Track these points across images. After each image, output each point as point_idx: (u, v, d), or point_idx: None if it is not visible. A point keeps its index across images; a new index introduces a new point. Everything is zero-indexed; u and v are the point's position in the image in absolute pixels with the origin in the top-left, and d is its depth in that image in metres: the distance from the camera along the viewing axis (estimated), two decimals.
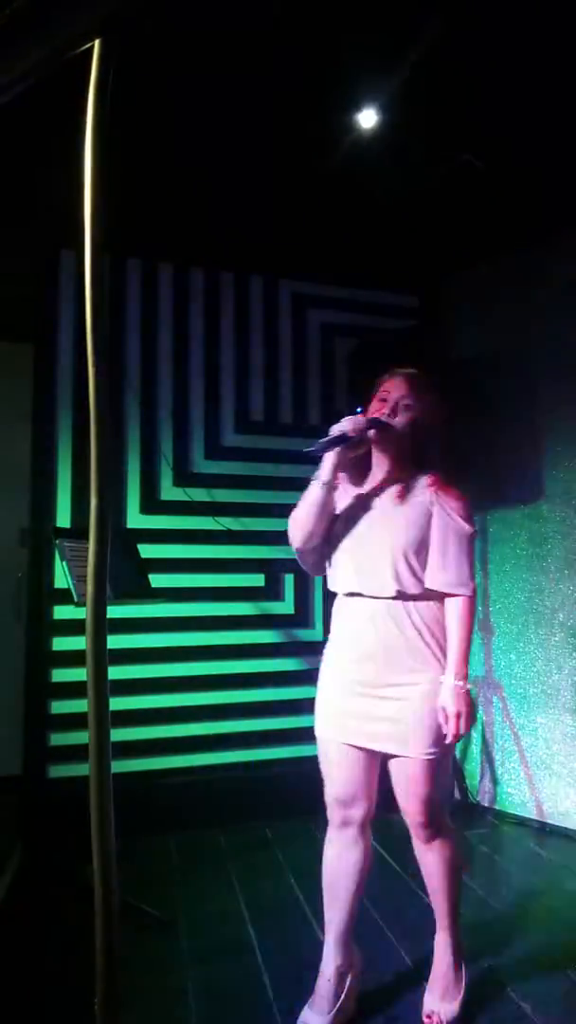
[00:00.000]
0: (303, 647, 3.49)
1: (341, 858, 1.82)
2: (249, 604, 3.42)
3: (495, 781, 3.42)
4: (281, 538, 3.44)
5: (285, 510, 3.43)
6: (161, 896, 2.52)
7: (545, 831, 3.17)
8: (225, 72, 2.31)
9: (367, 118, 2.51)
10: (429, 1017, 1.79)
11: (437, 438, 1.87)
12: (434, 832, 1.79)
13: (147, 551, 3.07)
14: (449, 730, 1.68)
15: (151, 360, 3.41)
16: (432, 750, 1.71)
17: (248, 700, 3.36)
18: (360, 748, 1.78)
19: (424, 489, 1.80)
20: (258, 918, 2.39)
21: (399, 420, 1.81)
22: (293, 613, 3.50)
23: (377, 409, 1.84)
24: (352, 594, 1.80)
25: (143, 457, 3.34)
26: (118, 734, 3.01)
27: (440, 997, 1.81)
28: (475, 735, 3.52)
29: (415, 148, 2.71)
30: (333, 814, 1.84)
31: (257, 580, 3.45)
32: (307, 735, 3.37)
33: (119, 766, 2.98)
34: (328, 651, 1.89)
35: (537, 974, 2.05)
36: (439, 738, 1.70)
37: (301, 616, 3.52)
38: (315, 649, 3.48)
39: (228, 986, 2.02)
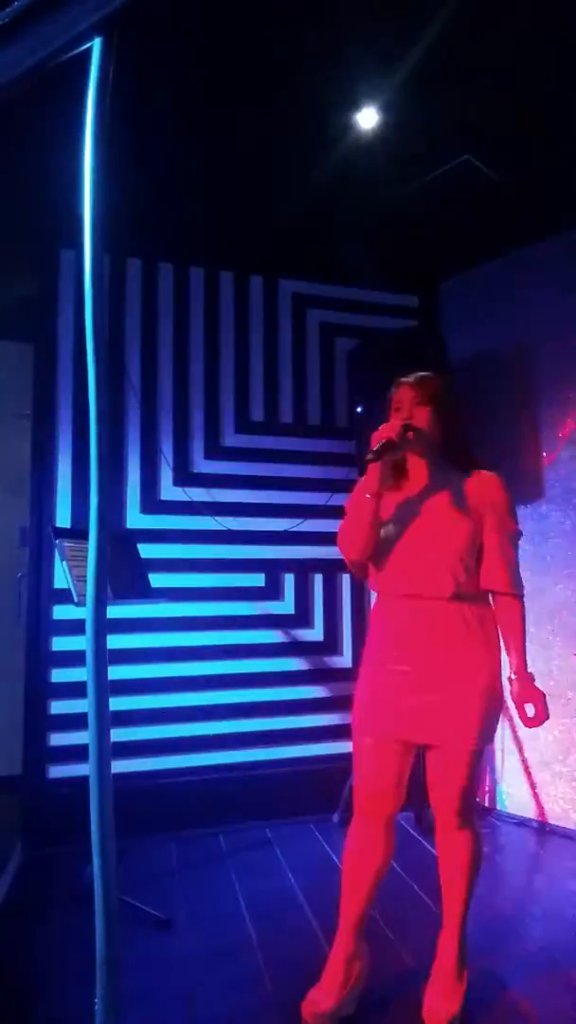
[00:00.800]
0: (303, 647, 3.50)
1: (363, 851, 1.86)
2: (249, 604, 3.42)
3: (495, 781, 3.42)
4: (281, 538, 3.47)
5: (285, 510, 3.49)
6: (161, 896, 2.52)
7: (545, 831, 3.17)
8: (225, 70, 2.30)
9: (367, 118, 2.50)
10: (430, 1015, 1.79)
11: (462, 430, 1.90)
12: (464, 822, 1.83)
13: (147, 551, 3.07)
14: (538, 716, 1.78)
15: (151, 360, 3.41)
16: (479, 742, 1.78)
17: (248, 700, 3.36)
18: (398, 744, 1.82)
19: (472, 488, 1.85)
20: (258, 918, 2.39)
21: (419, 421, 1.84)
22: (293, 613, 3.51)
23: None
24: (407, 595, 1.83)
25: (143, 457, 3.34)
26: (118, 734, 3.01)
27: (441, 996, 1.81)
28: None
29: (415, 148, 2.70)
30: (361, 808, 1.87)
31: (257, 580, 3.45)
32: (307, 735, 3.41)
33: (119, 766, 3.00)
34: (371, 649, 1.92)
35: (537, 974, 2.04)
36: (485, 731, 1.78)
37: (301, 616, 3.52)
38: (315, 649, 3.52)
39: (228, 986, 2.02)
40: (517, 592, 1.84)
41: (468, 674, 1.78)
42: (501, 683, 1.84)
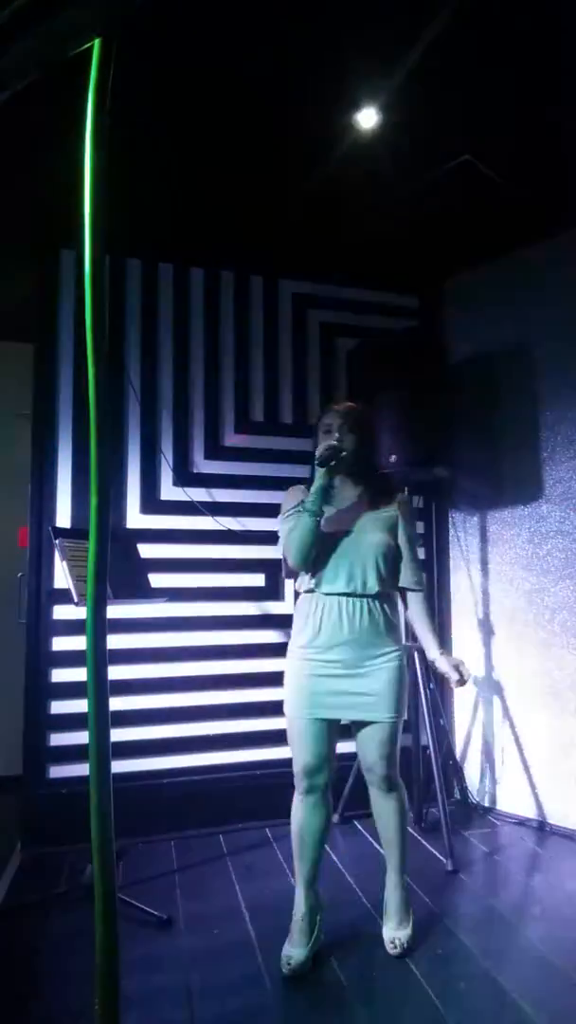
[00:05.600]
0: None
1: (307, 819, 2.19)
2: (249, 604, 3.42)
3: (495, 781, 3.42)
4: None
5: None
6: (161, 896, 2.52)
7: (545, 831, 3.17)
8: (225, 70, 2.30)
9: (367, 117, 2.50)
10: (392, 943, 2.14)
11: (376, 455, 2.32)
12: (393, 783, 2.18)
13: (147, 551, 3.07)
14: (466, 676, 2.17)
15: (151, 360, 3.41)
16: (397, 715, 2.13)
17: (248, 700, 3.35)
18: (325, 723, 2.14)
19: (389, 502, 2.24)
20: (258, 917, 2.39)
21: (348, 446, 2.17)
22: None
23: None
24: (338, 593, 2.14)
25: (143, 457, 3.34)
26: (118, 734, 3.01)
27: (397, 926, 2.18)
28: (475, 735, 3.52)
29: (415, 148, 2.70)
30: (300, 782, 2.19)
31: (257, 580, 3.45)
32: None
33: (119, 766, 3.00)
34: (298, 641, 2.21)
35: (537, 974, 2.05)
36: (402, 704, 2.15)
37: None
38: None
39: (228, 986, 2.02)
40: (421, 588, 2.25)
41: (385, 658, 2.13)
42: (405, 663, 2.19)
